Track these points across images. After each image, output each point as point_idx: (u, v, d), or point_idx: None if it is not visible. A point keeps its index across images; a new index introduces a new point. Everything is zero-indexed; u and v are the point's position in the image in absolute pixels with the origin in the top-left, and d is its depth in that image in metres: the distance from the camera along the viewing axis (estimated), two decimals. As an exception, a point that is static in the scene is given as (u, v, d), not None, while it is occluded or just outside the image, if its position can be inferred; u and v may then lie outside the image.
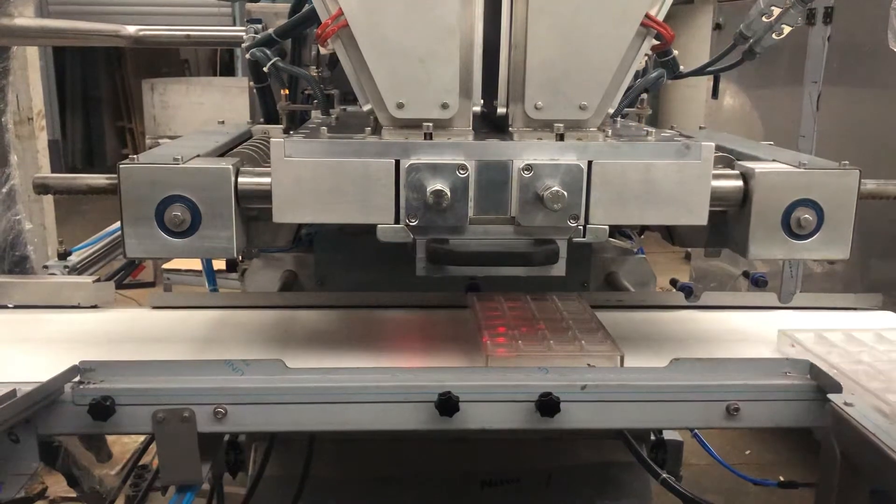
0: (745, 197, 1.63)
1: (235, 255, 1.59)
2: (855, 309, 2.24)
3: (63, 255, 2.67)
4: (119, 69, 14.62)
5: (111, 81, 14.90)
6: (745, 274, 1.79)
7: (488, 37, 1.63)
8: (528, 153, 1.53)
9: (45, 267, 2.61)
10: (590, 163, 1.53)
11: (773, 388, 1.71)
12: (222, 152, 1.84)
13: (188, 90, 9.38)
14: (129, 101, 14.58)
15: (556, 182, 1.50)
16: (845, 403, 1.61)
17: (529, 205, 1.53)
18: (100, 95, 14.88)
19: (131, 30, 2.86)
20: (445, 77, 1.57)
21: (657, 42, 1.65)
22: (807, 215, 1.61)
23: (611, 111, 1.67)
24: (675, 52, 2.08)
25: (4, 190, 2.52)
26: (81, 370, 1.67)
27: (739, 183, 1.65)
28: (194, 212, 1.54)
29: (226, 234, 1.56)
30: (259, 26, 2.36)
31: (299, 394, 1.67)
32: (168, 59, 14.25)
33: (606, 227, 1.56)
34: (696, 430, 3.02)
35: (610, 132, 1.66)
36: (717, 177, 1.61)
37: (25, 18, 2.53)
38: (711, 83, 5.50)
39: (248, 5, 2.33)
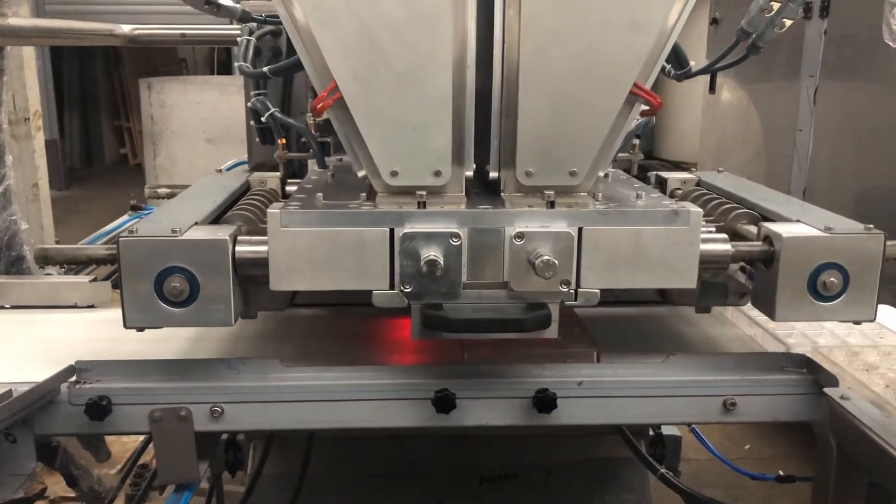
0: (770, 259, 1.65)
1: (233, 323, 1.60)
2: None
3: (60, 255, 2.67)
4: (117, 68, 14.62)
5: (109, 81, 14.90)
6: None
7: (480, 104, 1.65)
8: (519, 221, 1.55)
9: (42, 267, 2.61)
10: (580, 229, 1.55)
11: (770, 383, 1.72)
12: (220, 212, 1.86)
13: (185, 89, 9.37)
14: (127, 100, 14.58)
15: (548, 249, 1.52)
16: (841, 397, 1.61)
17: (521, 271, 1.54)
18: (97, 95, 14.88)
19: (126, 29, 2.85)
20: (438, 145, 1.60)
21: (646, 108, 1.67)
22: (833, 278, 1.62)
23: (601, 174, 1.70)
24: (693, 63, 2.11)
25: (0, 190, 2.51)
26: (77, 370, 1.68)
27: (728, 247, 1.67)
28: (193, 282, 1.56)
29: (224, 304, 1.58)
30: (254, 25, 2.36)
31: (296, 392, 1.68)
32: (165, 58, 14.25)
33: (597, 290, 1.59)
34: (693, 425, 3.02)
35: (601, 195, 1.69)
36: (705, 241, 1.63)
37: (19, 18, 2.52)
38: (709, 78, 5.50)
39: (244, 2, 2.32)
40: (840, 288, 1.63)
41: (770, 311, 1.67)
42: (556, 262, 1.51)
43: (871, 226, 1.67)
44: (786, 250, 1.62)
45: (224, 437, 2.64)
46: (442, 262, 1.51)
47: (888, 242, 1.65)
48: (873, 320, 1.68)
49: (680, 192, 2.17)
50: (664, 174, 2.25)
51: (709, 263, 1.65)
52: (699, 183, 2.24)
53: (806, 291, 1.64)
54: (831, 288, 1.62)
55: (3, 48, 2.52)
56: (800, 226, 1.70)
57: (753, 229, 1.75)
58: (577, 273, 1.56)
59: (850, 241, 1.64)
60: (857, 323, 1.71)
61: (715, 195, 2.05)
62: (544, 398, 1.65)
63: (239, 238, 1.62)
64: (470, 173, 1.67)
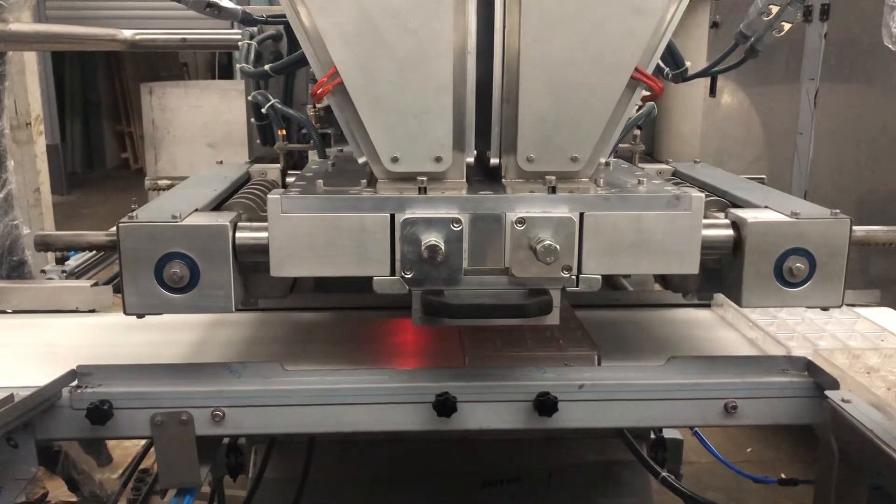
0: (737, 245, 1.65)
1: (233, 309, 1.60)
2: (853, 305, 2.23)
3: (61, 260, 2.67)
4: (118, 73, 14.62)
5: (110, 85, 14.90)
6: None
7: (481, 90, 1.65)
8: (520, 206, 1.55)
9: (43, 271, 2.61)
10: (581, 214, 1.55)
11: (771, 386, 1.72)
12: (221, 200, 1.86)
13: (186, 93, 9.37)
14: (128, 104, 14.58)
15: (549, 234, 1.52)
16: (843, 400, 1.61)
17: (523, 256, 1.54)
18: (99, 99, 14.87)
19: (127, 34, 2.85)
20: (439, 131, 1.60)
21: (647, 93, 1.67)
22: (799, 264, 1.62)
23: (603, 160, 1.70)
24: (689, 64, 2.10)
25: (1, 195, 2.51)
26: (79, 374, 1.68)
27: (730, 232, 1.66)
28: (193, 268, 1.56)
29: (224, 290, 1.58)
30: (254, 29, 2.36)
31: (297, 396, 1.68)
32: (167, 63, 14.25)
33: (599, 276, 1.58)
34: (696, 428, 3.02)
35: (602, 181, 1.68)
36: (707, 226, 1.63)
37: (21, 24, 2.53)
38: (709, 82, 5.50)
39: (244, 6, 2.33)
40: (806, 274, 1.63)
41: (737, 298, 1.66)
42: (558, 247, 1.51)
43: (838, 210, 1.66)
44: (751, 236, 1.62)
45: (225, 441, 2.65)
46: (443, 248, 1.51)
47: (854, 228, 1.64)
48: (840, 306, 1.67)
49: None
50: (641, 165, 2.25)
51: (711, 249, 1.64)
52: (675, 173, 2.24)
53: (772, 277, 1.63)
54: (798, 274, 1.62)
55: (4, 53, 2.53)
56: (766, 212, 1.69)
57: (722, 216, 1.75)
58: (578, 259, 1.56)
59: (816, 226, 1.63)
60: (824, 309, 1.70)
61: (688, 184, 2.05)
62: (545, 401, 1.65)
63: (239, 224, 1.62)
64: (471, 159, 1.67)
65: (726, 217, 1.71)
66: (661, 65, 2.10)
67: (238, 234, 1.59)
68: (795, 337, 1.96)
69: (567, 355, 1.79)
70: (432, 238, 1.51)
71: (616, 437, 2.51)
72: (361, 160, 1.67)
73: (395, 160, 1.61)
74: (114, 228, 1.59)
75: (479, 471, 2.68)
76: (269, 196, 1.55)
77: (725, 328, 2.14)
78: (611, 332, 2.08)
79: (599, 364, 1.80)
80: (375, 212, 1.54)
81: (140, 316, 1.59)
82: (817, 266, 1.63)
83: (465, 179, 1.66)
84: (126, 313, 1.58)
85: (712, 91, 5.50)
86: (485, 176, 1.73)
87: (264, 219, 1.57)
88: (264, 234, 1.57)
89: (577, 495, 2.71)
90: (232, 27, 2.44)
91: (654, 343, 2.04)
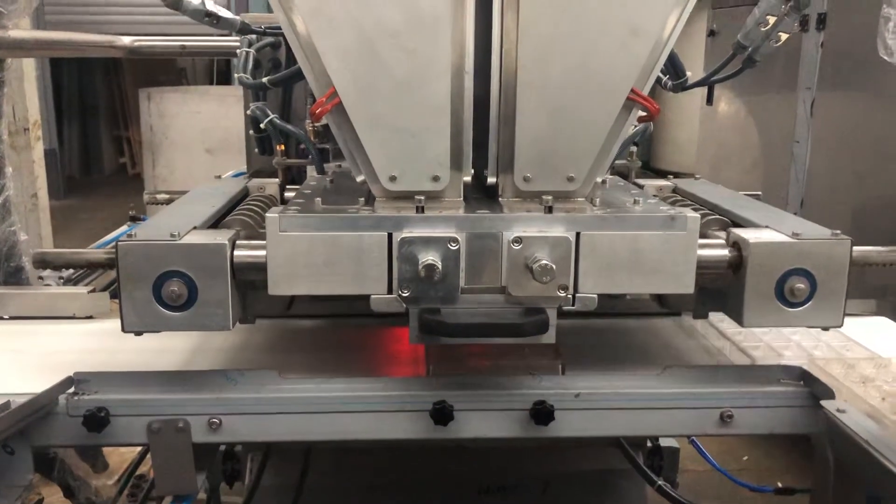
0: (738, 266, 1.66)
1: (231, 327, 1.61)
2: (848, 315, 2.24)
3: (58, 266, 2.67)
4: (116, 78, 14.64)
5: (108, 91, 14.91)
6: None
7: (479, 109, 1.66)
8: (517, 226, 1.56)
9: (41, 278, 2.61)
10: (578, 234, 1.56)
11: (767, 395, 1.72)
12: (219, 217, 1.86)
13: (185, 99, 9.39)
14: (126, 110, 14.59)
15: (545, 254, 1.53)
16: (838, 410, 1.61)
17: (519, 275, 1.55)
18: (97, 104, 14.89)
19: (126, 41, 2.86)
20: (437, 151, 1.61)
21: (643, 114, 1.68)
22: (800, 284, 1.63)
23: (599, 180, 1.71)
24: (689, 74, 2.11)
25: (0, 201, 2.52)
26: (76, 381, 1.68)
27: (725, 252, 1.67)
28: (191, 286, 1.57)
29: (222, 308, 1.58)
30: (253, 37, 2.37)
31: (294, 404, 1.68)
32: (165, 68, 14.27)
33: (595, 295, 1.59)
34: (692, 437, 3.02)
35: (598, 200, 1.69)
36: (703, 246, 1.64)
37: (20, 31, 2.53)
38: (706, 90, 5.52)
39: (244, 15, 2.33)
40: (807, 294, 1.64)
41: (738, 318, 1.68)
42: (554, 266, 1.52)
43: (839, 231, 1.68)
44: (753, 256, 1.63)
45: (222, 448, 2.64)
46: (440, 267, 1.52)
47: (854, 248, 1.66)
48: (840, 326, 1.68)
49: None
50: (641, 181, 2.27)
51: (706, 268, 1.66)
52: (675, 190, 2.25)
53: (773, 297, 1.64)
54: (798, 294, 1.63)
55: (3, 60, 2.53)
56: (767, 232, 1.70)
57: (724, 235, 1.76)
58: (574, 278, 1.57)
59: (816, 246, 1.64)
60: (825, 329, 1.71)
61: (689, 202, 2.06)
62: (541, 410, 1.66)
63: (237, 242, 1.62)
64: (468, 178, 1.68)
65: (728, 237, 1.72)
66: (661, 74, 2.11)
67: (236, 253, 1.59)
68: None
69: (531, 364, 1.80)
70: (429, 257, 1.52)
71: (612, 446, 2.51)
72: (360, 179, 1.68)
73: (392, 179, 1.62)
74: (112, 247, 1.59)
75: (476, 479, 2.68)
76: (267, 215, 1.56)
77: (692, 337, 2.13)
78: (607, 341, 2.09)
79: (563, 373, 1.80)
80: (373, 231, 1.55)
81: (138, 334, 1.59)
82: (818, 286, 1.64)
83: (462, 198, 1.67)
84: (124, 331, 1.58)
85: (709, 100, 5.52)
86: (482, 194, 1.75)
87: (262, 235, 1.58)
88: (262, 253, 1.57)
89: (574, 503, 2.71)
90: (230, 34, 2.44)
91: (650, 351, 2.04)
